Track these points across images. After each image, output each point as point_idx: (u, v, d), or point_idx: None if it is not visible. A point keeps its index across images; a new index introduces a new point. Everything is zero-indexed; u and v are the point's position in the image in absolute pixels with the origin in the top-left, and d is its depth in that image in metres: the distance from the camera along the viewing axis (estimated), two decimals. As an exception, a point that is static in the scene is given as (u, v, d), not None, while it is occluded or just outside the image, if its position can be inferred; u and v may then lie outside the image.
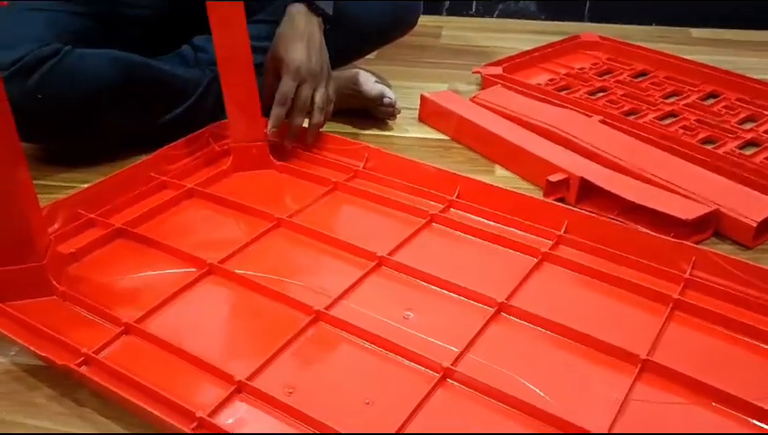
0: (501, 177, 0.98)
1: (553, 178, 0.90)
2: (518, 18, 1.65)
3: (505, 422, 0.57)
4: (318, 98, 0.93)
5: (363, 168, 0.94)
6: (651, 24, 1.63)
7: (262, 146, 0.93)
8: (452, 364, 0.61)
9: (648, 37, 1.51)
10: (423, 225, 0.82)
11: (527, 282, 0.73)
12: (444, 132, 1.10)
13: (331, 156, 0.96)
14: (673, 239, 0.75)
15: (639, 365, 0.61)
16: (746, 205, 0.84)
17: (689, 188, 0.87)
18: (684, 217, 0.80)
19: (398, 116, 1.11)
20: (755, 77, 1.21)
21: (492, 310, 0.68)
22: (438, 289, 0.72)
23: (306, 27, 0.93)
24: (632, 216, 0.85)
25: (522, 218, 0.82)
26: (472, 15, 1.63)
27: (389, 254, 0.76)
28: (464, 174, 0.87)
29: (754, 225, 0.82)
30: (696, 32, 1.60)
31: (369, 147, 0.95)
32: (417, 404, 0.57)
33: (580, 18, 1.63)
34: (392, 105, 1.09)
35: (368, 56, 1.21)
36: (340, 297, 0.70)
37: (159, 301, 0.68)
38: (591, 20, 1.63)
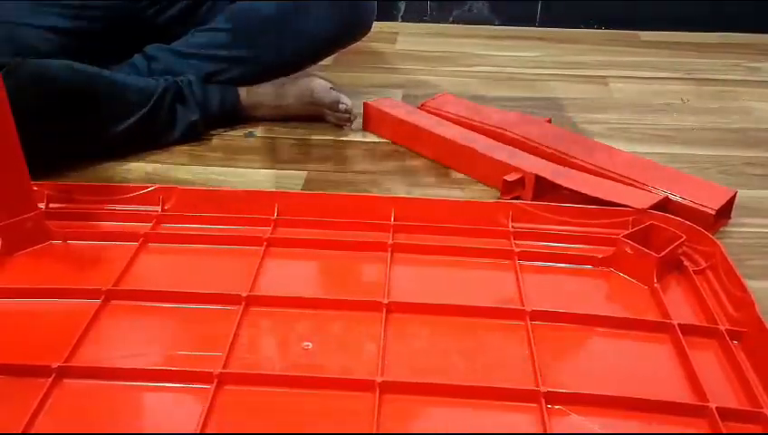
0: (457, 178, 0.98)
1: (510, 177, 0.91)
2: (472, 23, 1.67)
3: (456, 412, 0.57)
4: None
5: (162, 210, 0.81)
6: (600, 29, 1.66)
7: (36, 216, 0.75)
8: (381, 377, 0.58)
9: (598, 41, 1.54)
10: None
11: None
12: (389, 139, 1.09)
13: (119, 207, 0.82)
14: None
15: (528, 316, 0.67)
16: (699, 194, 0.86)
17: (641, 180, 0.89)
18: (639, 207, 0.82)
19: (353, 122, 1.11)
20: (704, 77, 1.24)
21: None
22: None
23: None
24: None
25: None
26: (426, 21, 1.65)
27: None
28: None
29: (713, 213, 0.83)
30: (644, 35, 1.64)
31: (165, 187, 0.83)
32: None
33: (532, 23, 1.66)
34: (348, 111, 1.09)
35: (323, 62, 1.21)
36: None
37: None
38: (543, 24, 1.65)
